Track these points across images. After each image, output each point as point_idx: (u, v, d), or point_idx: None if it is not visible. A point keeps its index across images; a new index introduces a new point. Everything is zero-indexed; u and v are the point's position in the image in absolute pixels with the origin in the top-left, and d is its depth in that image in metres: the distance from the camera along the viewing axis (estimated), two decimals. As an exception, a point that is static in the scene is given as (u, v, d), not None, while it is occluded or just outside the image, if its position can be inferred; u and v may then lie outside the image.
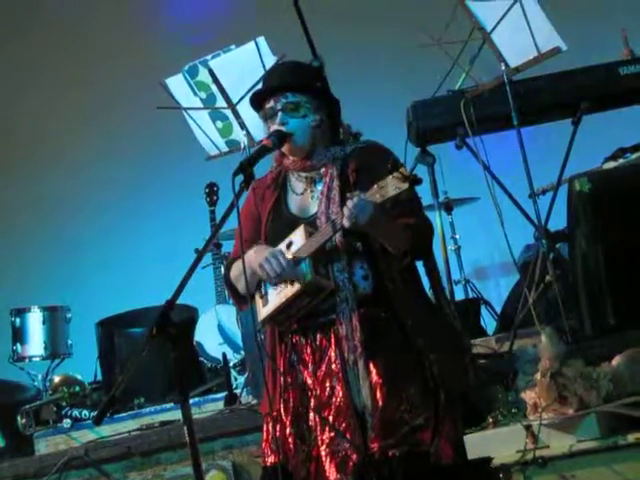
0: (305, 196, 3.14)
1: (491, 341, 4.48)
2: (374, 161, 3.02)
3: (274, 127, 3.09)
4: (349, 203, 2.82)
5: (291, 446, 3.02)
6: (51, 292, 7.19)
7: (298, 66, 3.27)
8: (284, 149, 3.12)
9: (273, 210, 3.16)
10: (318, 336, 3.03)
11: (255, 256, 3.00)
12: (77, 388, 5.70)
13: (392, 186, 2.74)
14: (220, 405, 5.05)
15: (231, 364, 5.54)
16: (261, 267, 2.94)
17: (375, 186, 2.78)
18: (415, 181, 2.75)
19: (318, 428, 2.98)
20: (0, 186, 8.02)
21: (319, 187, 3.11)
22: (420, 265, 3.15)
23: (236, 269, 3.14)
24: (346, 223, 2.84)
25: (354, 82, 6.61)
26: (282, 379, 3.07)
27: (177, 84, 5.18)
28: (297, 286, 2.91)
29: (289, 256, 2.93)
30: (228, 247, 6.13)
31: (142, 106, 6.53)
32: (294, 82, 3.12)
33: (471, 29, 4.63)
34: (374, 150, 3.13)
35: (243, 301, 3.18)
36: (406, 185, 2.73)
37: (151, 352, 2.59)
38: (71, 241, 7.86)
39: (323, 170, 3.11)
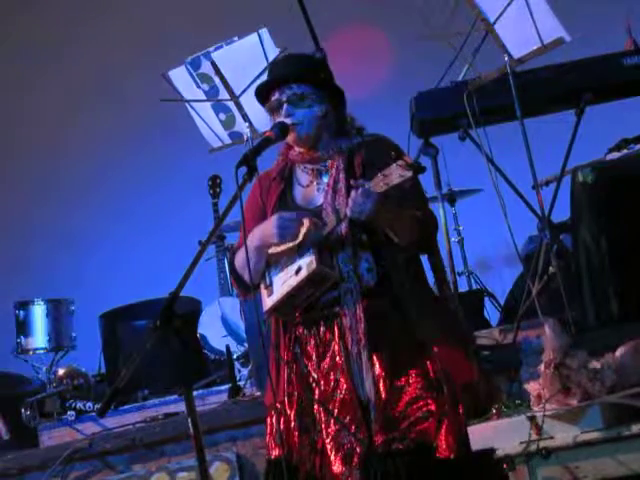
0: (310, 188, 3.14)
1: (495, 332, 4.48)
2: (381, 154, 3.00)
3: (280, 119, 3.08)
4: (353, 193, 2.82)
5: (296, 439, 3.02)
6: (55, 285, 7.21)
7: (302, 57, 3.27)
8: (289, 140, 3.11)
9: (279, 202, 3.15)
10: (322, 329, 3.03)
11: (258, 233, 3.02)
12: (81, 380, 5.72)
13: (396, 174, 2.74)
14: (224, 397, 5.07)
15: (235, 356, 5.55)
16: (275, 227, 2.95)
17: (379, 174, 2.77)
18: (419, 169, 2.75)
19: (323, 421, 2.98)
20: (3, 180, 8.02)
21: (324, 179, 3.10)
22: (424, 258, 3.14)
23: (241, 258, 3.13)
24: (350, 213, 2.84)
25: (357, 74, 6.60)
26: (286, 372, 3.07)
27: (180, 76, 5.17)
28: (302, 275, 2.92)
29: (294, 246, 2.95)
30: (232, 239, 6.14)
31: (145, 98, 6.53)
32: (299, 73, 3.11)
33: (474, 20, 4.62)
34: (381, 143, 3.11)
35: (248, 291, 3.18)
36: (410, 173, 2.73)
37: (155, 344, 2.59)
38: (75, 234, 7.87)
39: (329, 162, 3.10)
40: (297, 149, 3.16)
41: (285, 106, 3.07)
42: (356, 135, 3.15)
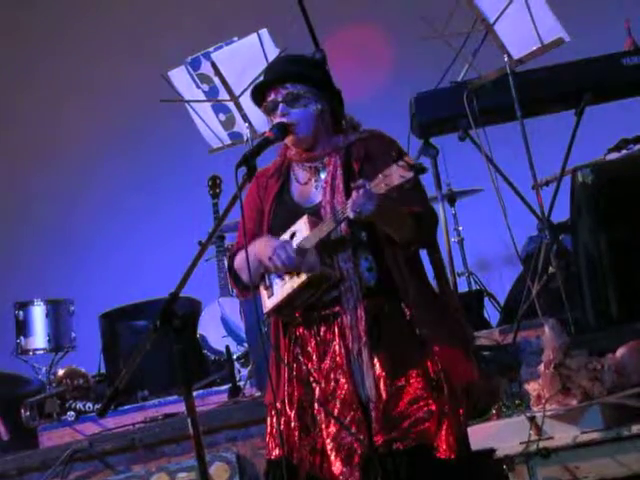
0: (308, 185, 3.13)
1: (495, 333, 4.48)
2: (379, 150, 3.01)
3: (277, 119, 3.08)
4: (354, 194, 2.81)
5: (296, 439, 3.02)
6: (55, 285, 7.20)
7: (296, 57, 3.27)
8: (287, 141, 3.11)
9: (276, 199, 3.15)
10: (322, 329, 3.03)
11: (260, 247, 3.00)
12: (81, 381, 5.71)
13: (397, 175, 2.72)
14: (224, 397, 5.07)
15: (234, 356, 5.55)
16: (269, 259, 2.94)
17: (380, 175, 2.76)
18: (420, 170, 2.73)
19: (323, 421, 2.98)
20: (3, 180, 8.02)
21: (322, 176, 3.09)
22: (424, 256, 3.14)
23: (240, 259, 3.13)
24: (351, 214, 2.82)
25: (357, 74, 6.60)
26: (286, 372, 3.07)
27: (180, 77, 5.18)
28: (303, 277, 2.91)
29: (293, 246, 2.93)
30: (231, 239, 6.14)
31: (145, 99, 6.53)
32: (293, 72, 3.11)
33: (474, 20, 4.62)
34: (379, 139, 3.11)
35: (246, 290, 3.17)
36: (411, 174, 2.71)
37: (155, 345, 2.59)
38: (75, 234, 7.87)
39: (327, 159, 3.10)
40: (295, 148, 3.16)
41: (280, 106, 3.07)
42: (352, 132, 3.14)
